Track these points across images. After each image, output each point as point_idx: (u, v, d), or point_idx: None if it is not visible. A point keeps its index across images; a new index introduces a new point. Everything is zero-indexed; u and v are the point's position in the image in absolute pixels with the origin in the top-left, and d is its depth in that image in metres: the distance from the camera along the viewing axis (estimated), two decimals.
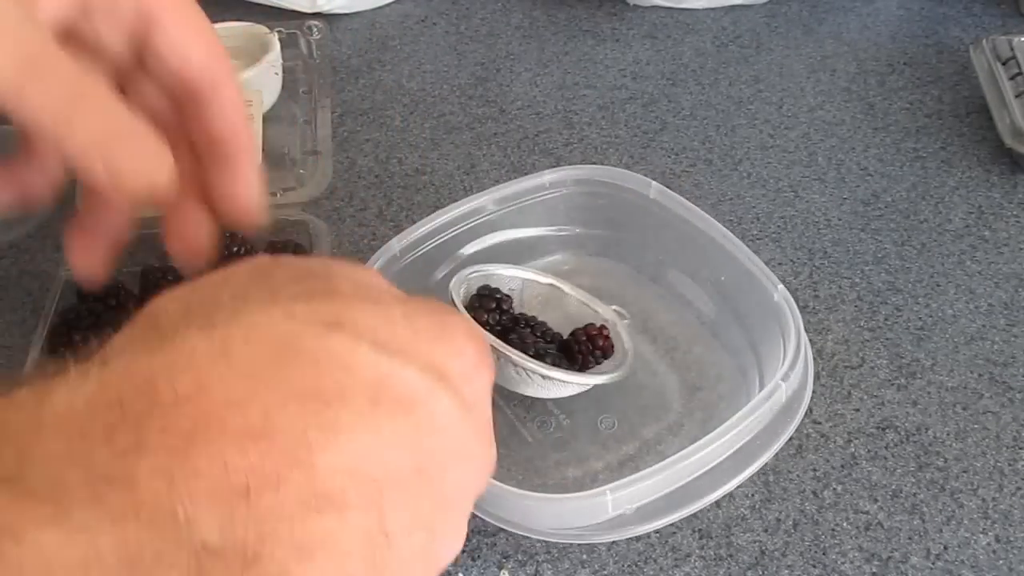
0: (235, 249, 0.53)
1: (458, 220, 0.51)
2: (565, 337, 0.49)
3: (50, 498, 0.18)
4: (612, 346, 0.48)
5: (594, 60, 0.75)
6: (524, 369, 0.43)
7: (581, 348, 0.48)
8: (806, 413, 0.48)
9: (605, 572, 0.42)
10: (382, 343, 0.23)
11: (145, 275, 0.54)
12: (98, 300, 0.52)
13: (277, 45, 0.67)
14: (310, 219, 0.56)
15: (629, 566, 0.43)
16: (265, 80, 0.66)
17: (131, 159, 0.29)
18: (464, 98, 0.71)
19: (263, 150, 0.60)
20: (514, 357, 0.43)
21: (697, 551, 0.43)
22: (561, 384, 0.45)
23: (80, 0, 0.28)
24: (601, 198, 0.53)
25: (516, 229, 0.53)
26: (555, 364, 0.45)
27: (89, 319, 0.50)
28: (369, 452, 0.21)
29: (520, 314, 0.49)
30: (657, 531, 0.43)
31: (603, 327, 0.48)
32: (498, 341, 0.43)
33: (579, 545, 0.43)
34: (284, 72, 0.69)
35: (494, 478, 0.36)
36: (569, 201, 0.54)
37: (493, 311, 0.47)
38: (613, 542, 0.43)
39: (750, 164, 0.64)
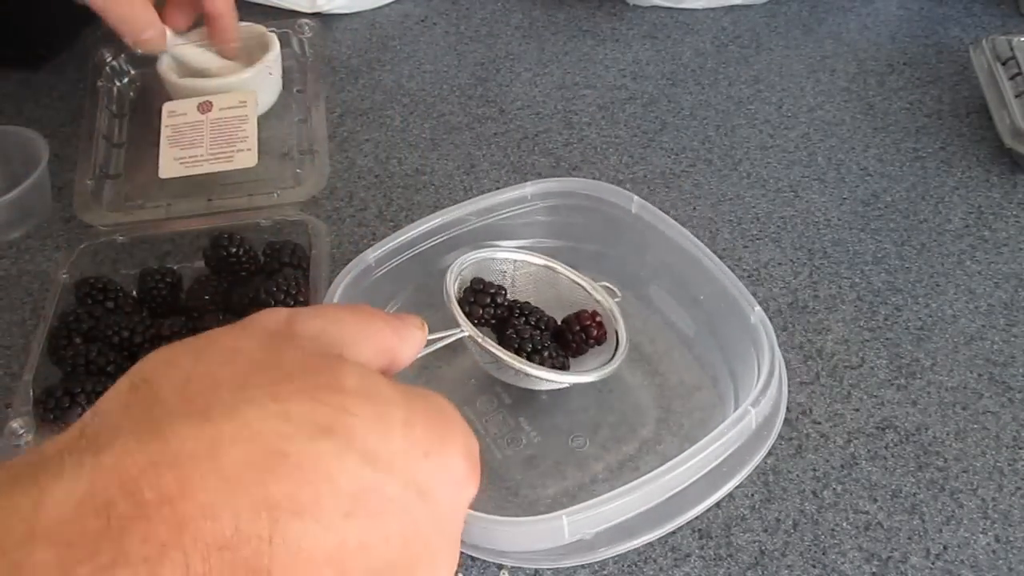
0: (233, 251, 0.54)
1: (437, 231, 0.51)
2: (559, 322, 0.49)
3: None
4: (605, 333, 0.48)
5: (594, 60, 0.75)
6: (522, 373, 0.44)
7: (575, 337, 0.48)
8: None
9: (605, 572, 0.42)
10: (371, 454, 0.23)
11: (143, 277, 0.54)
12: (97, 303, 0.52)
13: (276, 45, 0.67)
14: (309, 219, 0.56)
15: (629, 566, 0.42)
16: (264, 80, 0.66)
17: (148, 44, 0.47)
18: (464, 98, 0.71)
19: (260, 149, 0.60)
20: (513, 363, 0.43)
21: (697, 551, 0.43)
22: (558, 381, 0.46)
23: None
24: (583, 212, 0.53)
25: (496, 241, 0.52)
26: (552, 359, 0.45)
27: (88, 321, 0.50)
28: (330, 561, 0.22)
29: (513, 302, 0.49)
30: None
31: (595, 313, 0.49)
32: (494, 346, 0.43)
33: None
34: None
35: None
36: (550, 214, 0.53)
37: (488, 306, 0.47)
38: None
39: (750, 164, 0.64)
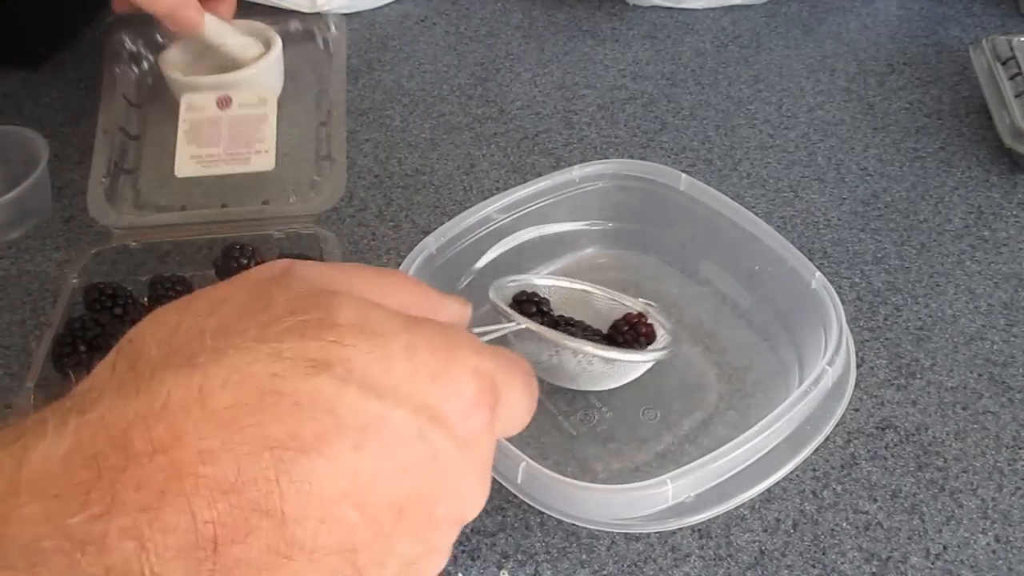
0: (244, 262, 0.53)
1: (490, 218, 0.51)
2: (606, 332, 0.49)
3: (27, 568, 0.19)
4: (653, 331, 0.49)
5: (594, 60, 0.75)
6: (585, 356, 0.43)
7: (625, 337, 0.48)
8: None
9: (605, 572, 0.42)
10: (372, 383, 0.22)
11: (154, 284, 0.54)
12: (105, 309, 0.52)
13: (279, 42, 0.67)
14: (322, 232, 0.56)
15: (629, 566, 0.43)
16: (268, 76, 0.66)
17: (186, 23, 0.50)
18: (464, 98, 0.71)
19: (277, 153, 0.60)
20: (575, 346, 0.43)
21: (697, 551, 0.43)
22: (622, 367, 0.46)
23: None
24: (631, 192, 0.54)
25: (547, 225, 0.53)
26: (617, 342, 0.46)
27: (95, 329, 0.50)
28: (344, 497, 0.21)
29: (560, 316, 0.49)
30: (658, 532, 0.44)
31: (641, 315, 0.49)
32: (556, 333, 0.43)
33: (579, 544, 0.43)
34: (295, 71, 0.68)
35: (550, 470, 0.38)
36: (599, 196, 0.54)
37: (535, 315, 0.47)
38: (612, 543, 0.43)
39: (750, 164, 0.64)
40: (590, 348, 0.43)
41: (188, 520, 0.19)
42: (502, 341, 0.43)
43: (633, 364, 0.46)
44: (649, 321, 0.49)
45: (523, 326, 0.42)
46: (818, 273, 0.47)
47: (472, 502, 0.25)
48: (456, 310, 0.29)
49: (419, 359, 0.23)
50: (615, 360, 0.44)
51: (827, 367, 0.42)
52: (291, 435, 0.21)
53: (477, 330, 0.32)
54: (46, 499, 0.19)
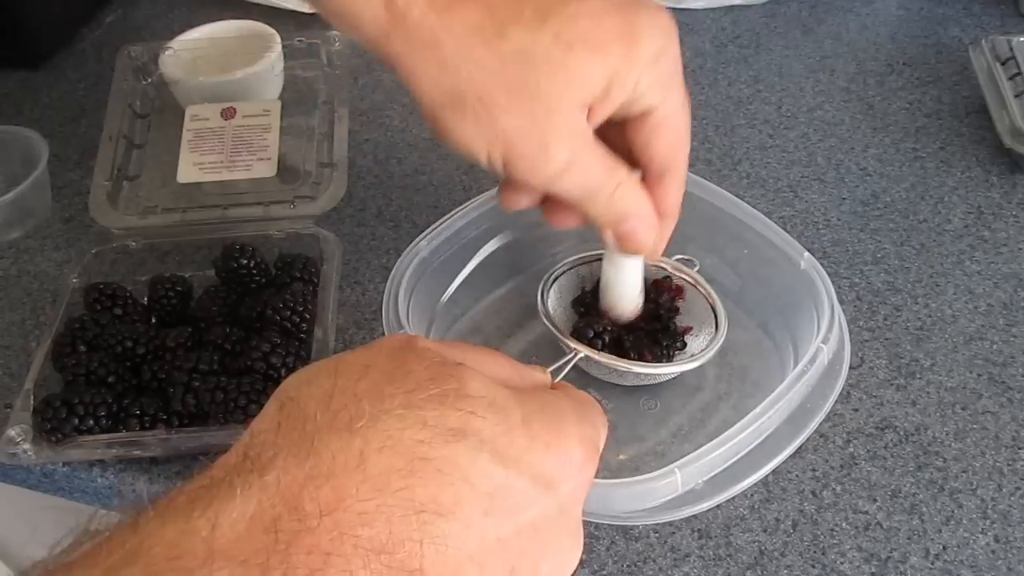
0: (244, 262, 0.53)
1: (482, 216, 0.52)
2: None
3: None
4: (682, 289, 0.50)
5: None
6: (641, 374, 0.47)
7: (662, 306, 0.50)
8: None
9: (604, 572, 0.42)
10: (500, 453, 0.25)
11: (153, 284, 0.54)
12: (105, 309, 0.52)
13: (278, 45, 0.67)
14: (323, 233, 0.56)
15: (628, 566, 0.43)
16: (265, 80, 0.66)
17: (634, 234, 0.40)
18: None
19: (279, 160, 0.60)
20: (631, 368, 0.46)
21: (696, 551, 0.43)
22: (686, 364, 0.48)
23: (615, 111, 0.37)
24: None
25: (537, 222, 0.53)
26: (667, 351, 0.48)
27: (94, 329, 0.50)
28: (472, 558, 0.24)
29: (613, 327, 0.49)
30: (656, 531, 0.44)
31: (665, 279, 0.50)
32: (614, 359, 0.45)
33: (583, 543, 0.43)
34: (300, 82, 0.69)
35: None
36: None
37: (598, 335, 0.47)
38: (612, 542, 0.43)
39: (749, 164, 0.64)
40: (643, 369, 0.46)
41: None
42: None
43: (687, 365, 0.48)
44: (672, 282, 0.50)
45: (582, 355, 0.45)
46: (807, 253, 0.47)
47: (570, 560, 0.28)
48: (539, 379, 0.33)
49: (534, 430, 0.27)
50: (668, 373, 0.48)
51: (822, 345, 0.43)
52: (433, 499, 0.23)
53: (551, 369, 0.36)
54: (234, 565, 0.21)
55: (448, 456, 0.24)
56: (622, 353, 0.47)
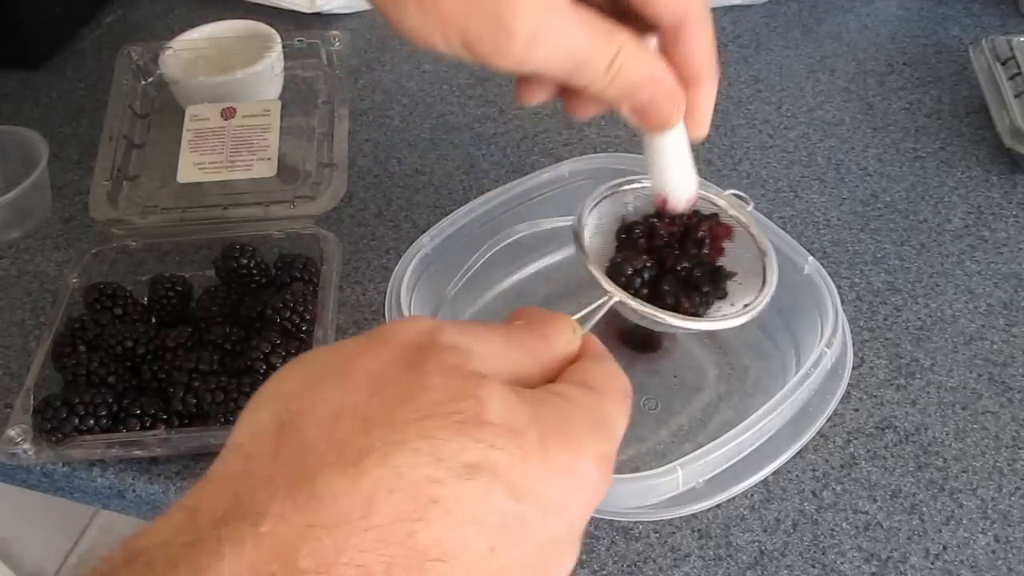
0: (244, 262, 0.53)
1: (484, 216, 0.52)
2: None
3: None
4: (728, 227, 0.44)
5: None
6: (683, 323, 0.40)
7: (708, 244, 0.43)
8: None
9: (604, 572, 0.42)
10: (515, 486, 0.24)
11: (153, 284, 0.54)
12: (105, 309, 0.52)
13: (278, 45, 0.67)
14: (323, 233, 0.56)
15: (628, 566, 0.43)
16: (265, 80, 0.66)
17: (653, 106, 0.35)
18: (464, 98, 0.71)
19: (280, 160, 0.60)
20: (670, 320, 0.39)
21: (696, 551, 0.43)
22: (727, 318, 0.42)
23: None
24: None
25: (538, 220, 0.54)
26: (707, 298, 0.42)
27: (94, 329, 0.50)
28: None
29: (655, 244, 0.43)
30: (656, 531, 0.44)
31: (713, 215, 0.44)
32: (651, 308, 0.39)
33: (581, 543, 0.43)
34: (300, 82, 0.68)
35: None
36: (589, 191, 0.54)
37: (637, 272, 0.42)
38: (612, 543, 0.43)
39: (749, 164, 0.64)
40: (681, 323, 0.40)
41: None
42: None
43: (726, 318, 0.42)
44: (718, 220, 0.44)
45: (617, 299, 0.39)
46: (811, 258, 0.47)
47: (568, 566, 0.27)
48: (564, 351, 0.30)
49: (550, 454, 0.25)
50: (707, 328, 0.43)
51: (825, 349, 0.43)
52: (436, 542, 0.22)
53: (576, 317, 0.32)
54: None
55: (460, 496, 0.23)
56: (658, 296, 0.41)
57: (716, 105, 0.37)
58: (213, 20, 0.70)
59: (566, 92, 0.37)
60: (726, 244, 0.45)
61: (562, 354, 0.30)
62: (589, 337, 0.31)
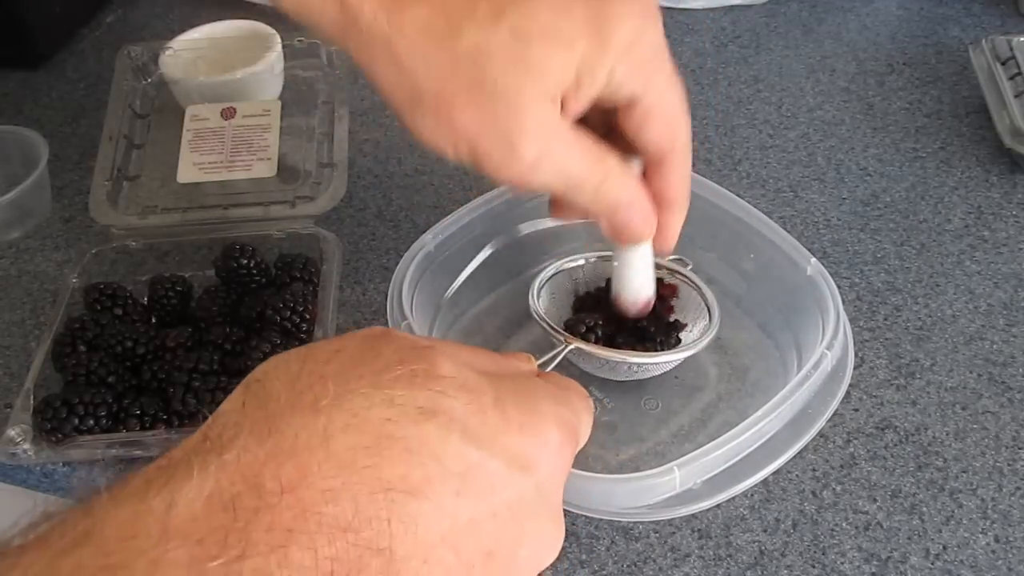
0: (244, 262, 0.53)
1: (487, 215, 0.52)
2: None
3: None
4: (673, 287, 0.50)
5: None
6: (634, 365, 0.46)
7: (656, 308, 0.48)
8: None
9: (604, 572, 0.42)
10: (472, 433, 0.25)
11: (153, 284, 0.54)
12: (105, 309, 0.52)
13: (278, 45, 0.67)
14: (323, 233, 0.56)
15: (628, 566, 0.43)
16: (265, 80, 0.66)
17: (628, 224, 0.38)
18: None
19: (280, 160, 0.60)
20: (625, 359, 0.45)
21: (696, 551, 0.43)
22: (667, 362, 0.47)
23: (591, 102, 0.35)
24: None
25: (543, 219, 0.54)
26: (660, 346, 0.47)
27: (94, 329, 0.50)
28: (445, 539, 0.23)
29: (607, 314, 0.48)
30: (656, 531, 0.44)
31: (659, 280, 0.48)
32: (607, 350, 0.45)
33: (579, 544, 0.43)
34: (300, 82, 0.68)
35: None
36: None
37: (591, 329, 0.46)
38: (612, 543, 0.43)
39: (749, 164, 0.64)
40: (635, 359, 0.45)
41: (311, 557, 0.21)
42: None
43: (680, 355, 0.47)
44: (666, 281, 0.50)
45: (573, 346, 0.44)
46: (813, 259, 0.47)
47: (551, 546, 0.27)
48: (522, 368, 0.33)
49: (508, 412, 0.26)
50: (659, 363, 0.46)
51: (826, 351, 0.43)
52: (402, 478, 0.23)
53: (541, 361, 0.35)
54: (190, 544, 0.21)
55: (417, 435, 0.24)
56: (614, 348, 0.46)
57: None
58: (213, 20, 0.70)
59: (554, 197, 0.41)
60: (674, 301, 0.50)
61: (519, 368, 0.32)
62: (550, 372, 0.34)
